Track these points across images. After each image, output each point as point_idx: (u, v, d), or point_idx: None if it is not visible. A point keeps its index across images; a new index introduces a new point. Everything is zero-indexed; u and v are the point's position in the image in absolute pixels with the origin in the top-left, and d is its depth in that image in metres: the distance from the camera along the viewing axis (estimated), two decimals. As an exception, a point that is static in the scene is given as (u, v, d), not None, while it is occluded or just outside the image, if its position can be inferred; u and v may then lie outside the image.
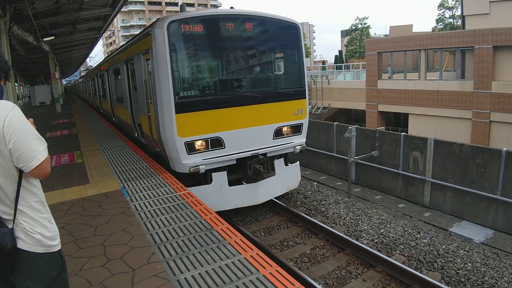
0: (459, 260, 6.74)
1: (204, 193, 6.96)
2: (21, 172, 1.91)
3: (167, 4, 73.08)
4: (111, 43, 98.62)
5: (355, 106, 29.00)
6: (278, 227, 8.10)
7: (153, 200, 5.31)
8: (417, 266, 6.62)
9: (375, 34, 69.19)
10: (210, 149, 7.12)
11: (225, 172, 7.47)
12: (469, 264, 6.63)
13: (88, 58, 51.76)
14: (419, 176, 11.81)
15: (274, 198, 8.71)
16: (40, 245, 1.95)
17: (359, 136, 13.70)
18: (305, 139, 8.51)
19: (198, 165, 6.93)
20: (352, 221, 8.39)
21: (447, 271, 6.43)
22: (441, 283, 5.93)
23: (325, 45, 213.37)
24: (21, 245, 1.91)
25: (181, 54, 6.92)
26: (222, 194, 7.43)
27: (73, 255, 3.73)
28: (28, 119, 1.97)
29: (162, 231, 4.26)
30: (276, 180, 8.27)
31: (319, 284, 5.75)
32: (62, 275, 2.11)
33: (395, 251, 7.10)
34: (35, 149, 1.90)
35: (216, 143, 7.16)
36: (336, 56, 72.07)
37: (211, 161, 7.14)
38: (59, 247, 2.07)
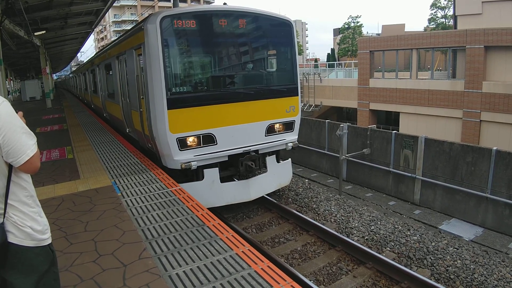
0: (448, 257, 6.82)
1: (195, 189, 6.94)
2: (10, 167, 1.90)
3: (160, -1, 72.50)
4: (102, 38, 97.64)
5: (347, 104, 29.13)
6: (269, 224, 8.12)
7: (144, 196, 5.29)
8: (407, 263, 6.69)
9: (367, 32, 69.34)
10: (202, 146, 7.11)
11: (217, 168, 7.46)
12: (459, 261, 6.71)
13: (79, 53, 51.20)
14: (410, 174, 11.92)
15: (266, 194, 8.73)
16: (30, 239, 1.95)
17: (351, 134, 13.78)
18: (297, 136, 8.53)
19: (189, 161, 6.92)
20: (343, 218, 8.44)
21: (436, 268, 6.51)
22: (431, 280, 6.00)
23: (318, 43, 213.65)
24: (11, 239, 1.90)
25: (173, 50, 6.88)
26: (214, 191, 7.42)
27: (64, 250, 3.71)
28: (17, 112, 1.95)
29: (153, 226, 4.24)
30: (267, 177, 8.29)
31: (310, 281, 5.78)
32: (53, 269, 2.10)
33: (386, 248, 7.16)
34: (24, 144, 1.89)
35: (208, 140, 7.14)
36: (328, 54, 72.11)
37: (203, 158, 7.12)
38: (49, 241, 2.07)
